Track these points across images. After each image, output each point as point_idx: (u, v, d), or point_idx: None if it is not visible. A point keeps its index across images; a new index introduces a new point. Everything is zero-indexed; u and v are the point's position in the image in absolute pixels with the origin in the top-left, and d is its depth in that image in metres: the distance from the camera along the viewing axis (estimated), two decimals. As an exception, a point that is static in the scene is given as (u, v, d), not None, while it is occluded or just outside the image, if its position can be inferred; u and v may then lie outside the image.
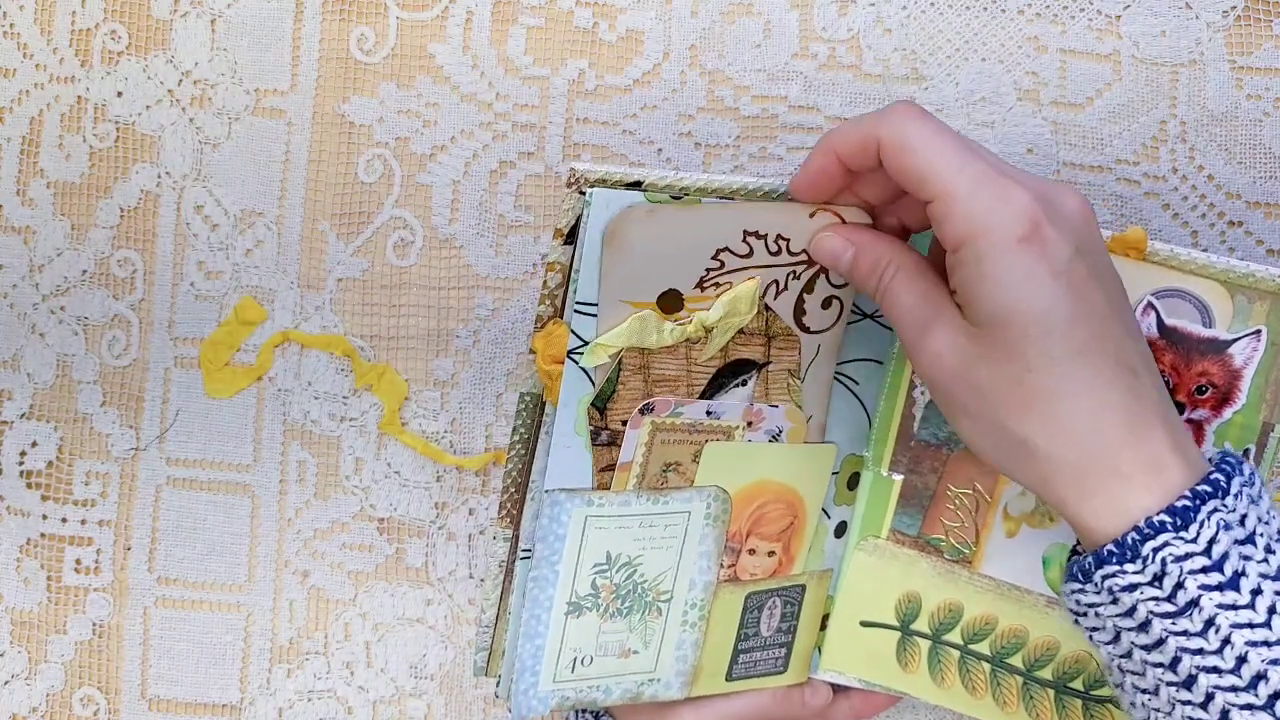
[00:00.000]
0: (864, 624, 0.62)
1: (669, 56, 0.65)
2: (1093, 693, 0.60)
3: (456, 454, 0.66)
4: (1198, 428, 0.57)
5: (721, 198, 0.54)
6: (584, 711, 0.63)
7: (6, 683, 0.67)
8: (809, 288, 0.57)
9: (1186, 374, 0.57)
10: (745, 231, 0.54)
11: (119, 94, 0.66)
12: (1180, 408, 0.57)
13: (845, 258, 0.54)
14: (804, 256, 0.56)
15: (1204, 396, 0.57)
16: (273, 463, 0.67)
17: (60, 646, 0.67)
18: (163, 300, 0.67)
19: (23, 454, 0.67)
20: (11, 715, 0.67)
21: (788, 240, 0.55)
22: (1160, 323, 0.57)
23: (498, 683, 0.59)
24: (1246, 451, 0.57)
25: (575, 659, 0.59)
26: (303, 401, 0.67)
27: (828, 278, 0.57)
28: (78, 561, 0.67)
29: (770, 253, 0.55)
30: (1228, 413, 0.57)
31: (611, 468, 0.57)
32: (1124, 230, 0.56)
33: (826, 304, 0.58)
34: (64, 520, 0.67)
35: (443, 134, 0.65)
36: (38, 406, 0.67)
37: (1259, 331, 0.57)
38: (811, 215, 0.55)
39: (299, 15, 0.65)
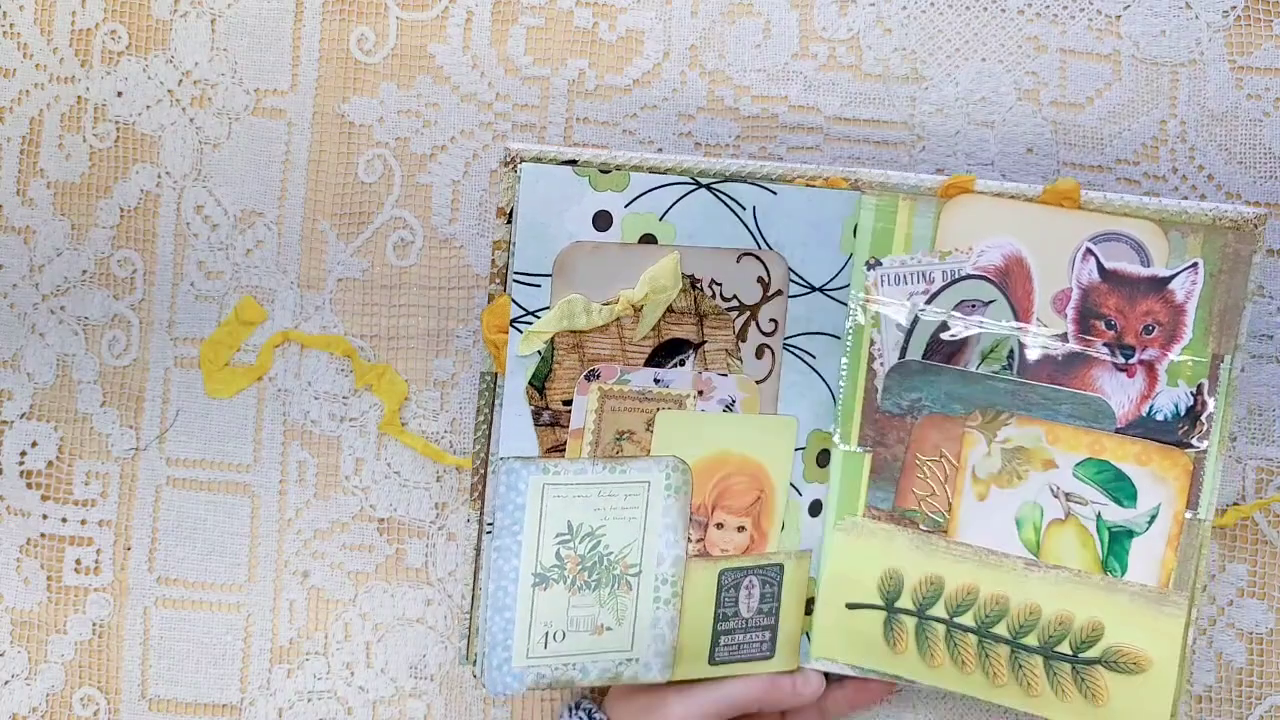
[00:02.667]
0: (850, 606, 0.63)
1: (669, 56, 0.65)
2: (1080, 655, 0.60)
3: (456, 454, 0.66)
4: (1149, 368, 0.59)
5: (652, 172, 0.57)
6: (578, 708, 0.63)
7: (6, 683, 0.67)
8: (742, 334, 0.60)
9: (1132, 315, 0.58)
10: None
11: (119, 94, 0.66)
12: (1130, 350, 0.58)
13: None
14: (735, 301, 0.59)
15: (1151, 336, 0.58)
16: (273, 463, 0.67)
17: (60, 646, 0.67)
18: (163, 300, 0.67)
19: (23, 454, 0.67)
20: (11, 715, 0.67)
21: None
22: (1100, 267, 0.58)
23: (474, 663, 0.60)
24: (1200, 386, 0.58)
25: (546, 634, 0.59)
26: (303, 401, 0.67)
27: (758, 326, 0.60)
28: (78, 561, 0.67)
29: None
30: (1176, 349, 0.58)
31: (559, 448, 0.59)
32: (1053, 181, 0.58)
33: (759, 353, 0.60)
34: (64, 520, 0.67)
35: (443, 134, 0.65)
36: (38, 406, 0.67)
37: (1195, 264, 0.58)
38: (738, 260, 0.59)
39: (299, 15, 0.65)
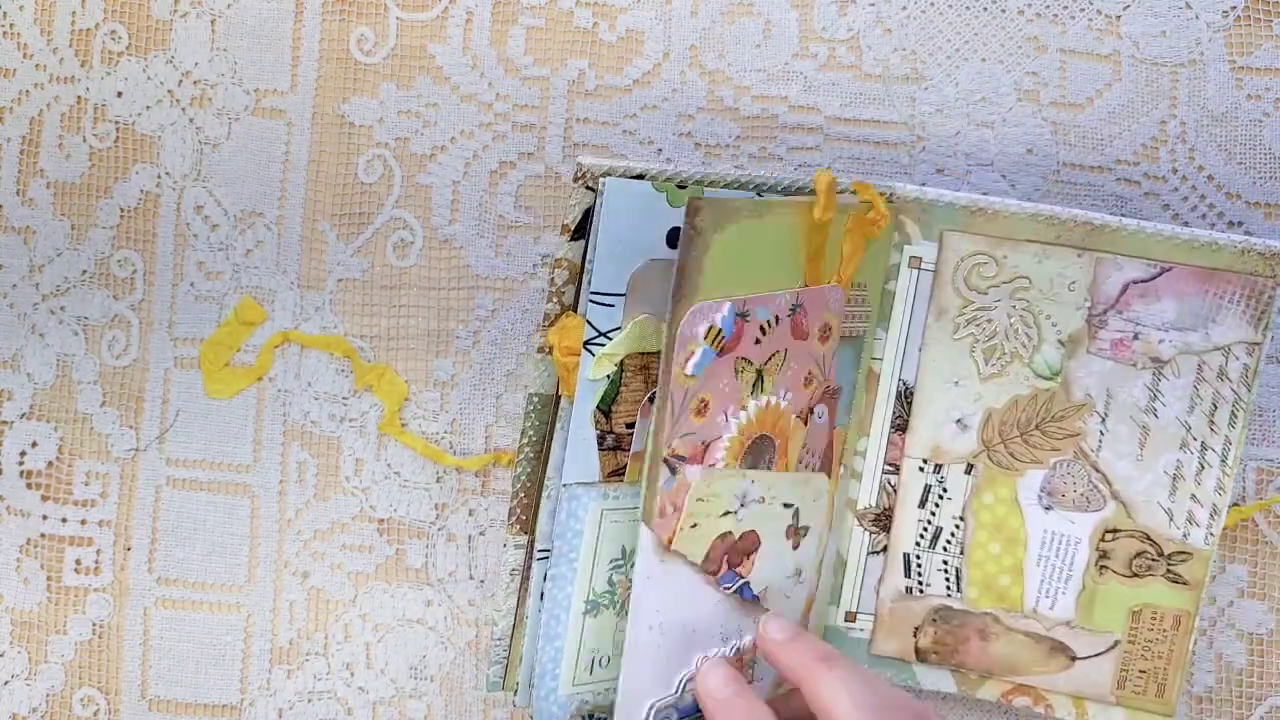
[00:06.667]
0: None
1: (669, 56, 0.65)
2: None
3: (456, 455, 0.66)
4: None
5: (712, 186, 0.56)
6: (592, 717, 0.62)
7: (6, 683, 0.67)
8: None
9: None
10: None
11: (119, 94, 0.66)
12: None
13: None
14: None
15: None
16: (273, 463, 0.67)
17: (60, 646, 0.67)
18: (163, 300, 0.67)
19: (23, 454, 0.67)
20: (11, 715, 0.67)
21: None
22: None
23: (515, 693, 0.59)
24: None
25: (594, 659, 0.59)
26: (303, 402, 0.67)
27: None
28: (78, 561, 0.67)
29: None
30: None
31: (619, 472, 0.57)
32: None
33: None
34: (64, 520, 0.67)
35: (443, 134, 0.65)
36: (38, 406, 0.67)
37: None
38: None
39: (299, 15, 0.66)
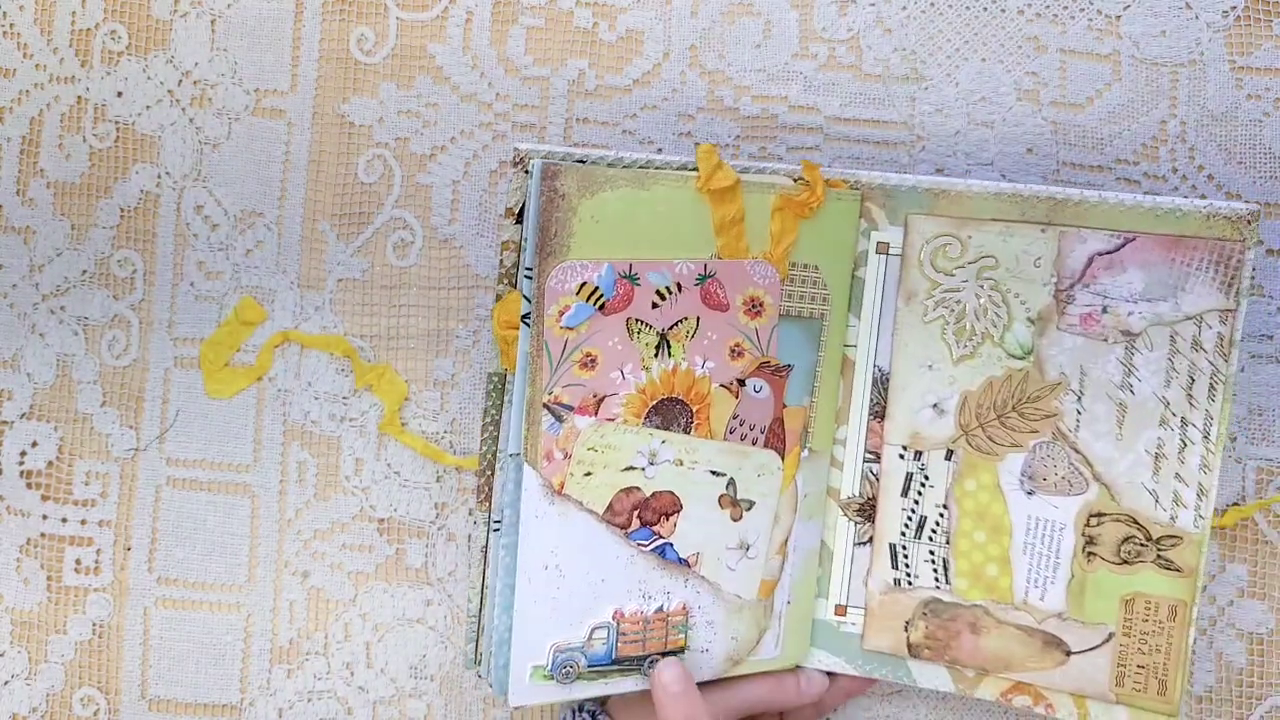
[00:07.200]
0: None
1: (669, 56, 0.65)
2: None
3: (456, 454, 0.66)
4: None
5: (657, 171, 0.57)
6: (580, 710, 0.63)
7: (6, 683, 0.67)
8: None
9: None
10: None
11: (119, 94, 0.66)
12: None
13: None
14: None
15: None
16: (273, 463, 0.67)
17: (60, 646, 0.67)
18: (163, 300, 0.67)
19: (23, 454, 0.67)
20: (11, 715, 0.67)
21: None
22: None
23: (478, 660, 0.60)
24: None
25: None
26: (303, 401, 0.67)
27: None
28: (78, 561, 0.67)
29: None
30: None
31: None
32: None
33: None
34: (64, 520, 0.67)
35: (443, 134, 0.65)
36: (38, 406, 0.67)
37: None
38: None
39: (299, 15, 0.65)
